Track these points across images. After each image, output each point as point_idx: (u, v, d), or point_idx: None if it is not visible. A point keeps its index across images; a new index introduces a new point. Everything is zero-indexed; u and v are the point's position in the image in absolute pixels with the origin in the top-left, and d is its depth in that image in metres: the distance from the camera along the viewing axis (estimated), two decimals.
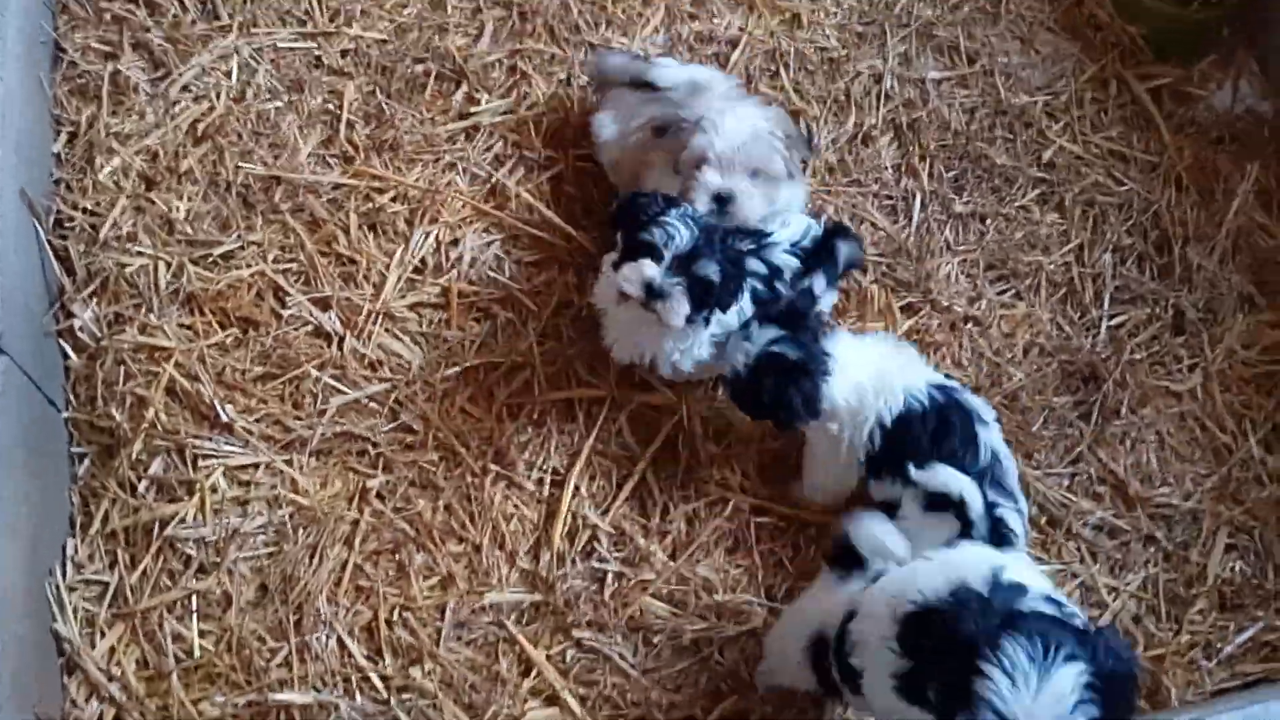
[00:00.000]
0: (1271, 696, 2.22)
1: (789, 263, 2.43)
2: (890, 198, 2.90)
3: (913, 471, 2.10)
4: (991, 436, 2.23)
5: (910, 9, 3.18)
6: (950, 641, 1.61)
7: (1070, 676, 1.52)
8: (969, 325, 2.73)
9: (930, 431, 2.20)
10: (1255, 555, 2.53)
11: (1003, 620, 1.59)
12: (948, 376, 2.42)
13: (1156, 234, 2.90)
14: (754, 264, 2.37)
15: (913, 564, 1.88)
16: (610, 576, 2.33)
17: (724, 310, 2.29)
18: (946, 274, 2.78)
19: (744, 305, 2.35)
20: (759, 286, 2.38)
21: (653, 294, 2.17)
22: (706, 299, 2.21)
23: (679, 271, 2.17)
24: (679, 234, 2.16)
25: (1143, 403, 2.67)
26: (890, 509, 2.18)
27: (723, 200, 2.39)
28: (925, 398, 2.23)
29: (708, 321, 2.29)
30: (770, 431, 2.51)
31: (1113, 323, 2.78)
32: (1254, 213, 2.93)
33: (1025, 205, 2.93)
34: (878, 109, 2.99)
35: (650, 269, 2.16)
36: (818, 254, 2.47)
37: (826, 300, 2.52)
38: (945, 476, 2.04)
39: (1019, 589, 1.68)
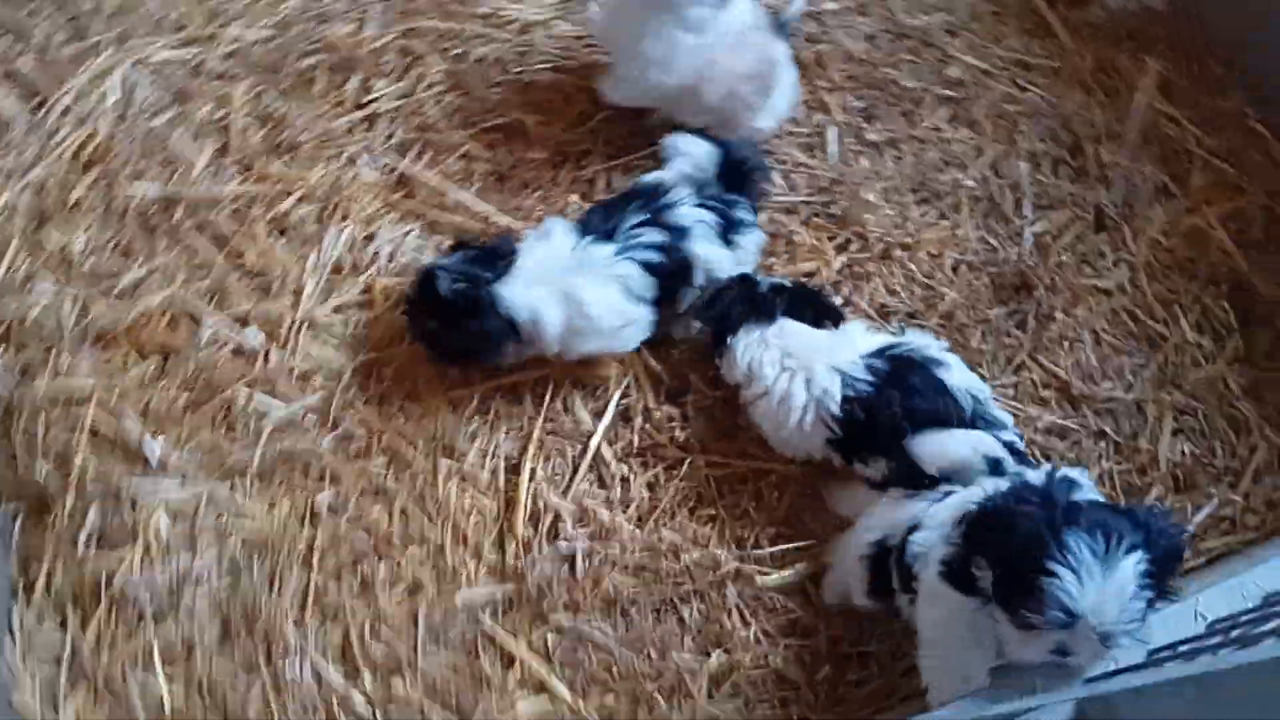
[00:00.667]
0: (1240, 567, 2.26)
1: (698, 216, 2.39)
2: (805, 134, 2.88)
3: (916, 448, 2.09)
4: (957, 376, 2.20)
5: None
6: (1013, 536, 1.64)
7: (1131, 566, 1.56)
8: (898, 252, 2.73)
9: (899, 406, 2.15)
10: (1201, 435, 2.59)
11: (1063, 514, 1.62)
12: (892, 332, 2.43)
13: (1068, 137, 2.92)
14: (649, 234, 2.34)
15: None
16: (579, 556, 2.29)
17: None
18: (869, 203, 2.77)
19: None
20: (654, 258, 2.34)
21: None
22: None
23: None
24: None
25: (1074, 303, 2.70)
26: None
27: None
28: (866, 375, 2.20)
29: None
30: (714, 385, 2.50)
31: (1036, 229, 2.80)
32: (1158, 105, 2.97)
33: (936, 125, 2.93)
34: None
35: None
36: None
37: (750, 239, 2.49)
38: (955, 445, 2.04)
39: (1073, 482, 1.73)
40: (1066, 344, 2.66)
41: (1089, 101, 2.99)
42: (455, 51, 2.85)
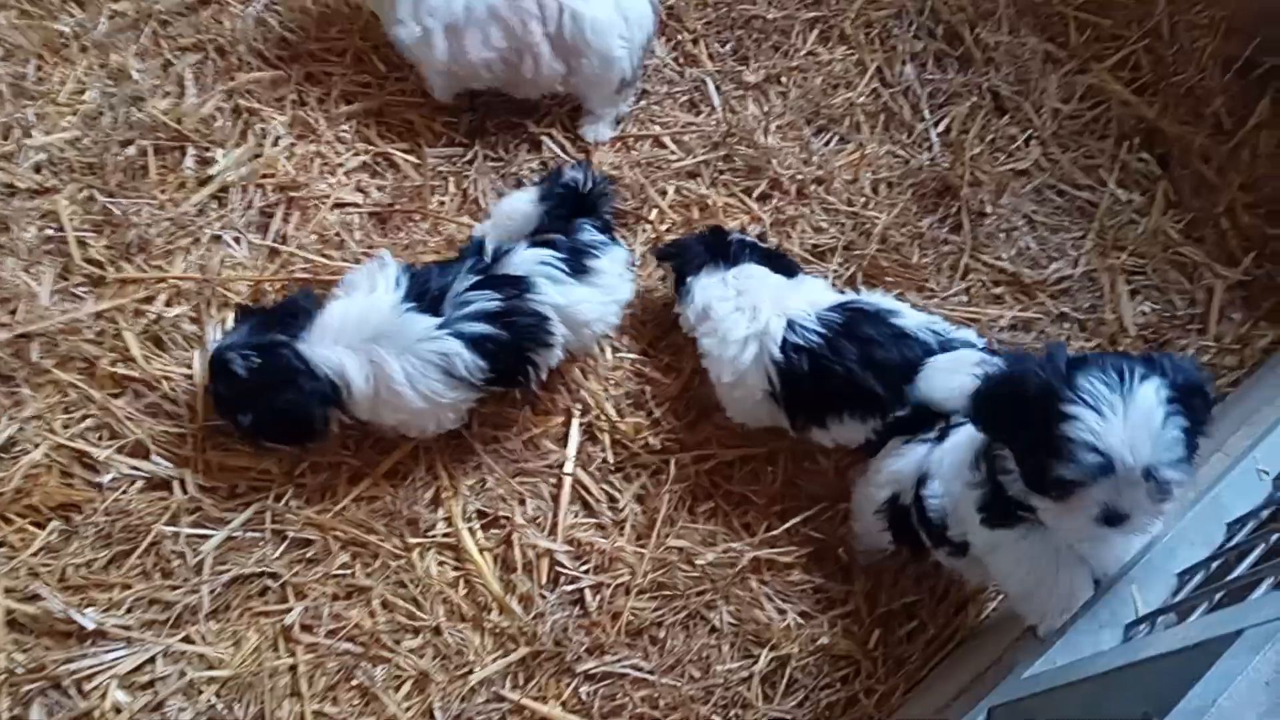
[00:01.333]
0: (1253, 405, 2.21)
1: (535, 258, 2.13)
2: (683, 92, 2.72)
3: (928, 391, 1.95)
4: (911, 319, 2.08)
5: None
6: (1024, 397, 1.54)
7: (1152, 391, 1.46)
8: (814, 187, 2.60)
9: (857, 361, 2.02)
10: (1157, 290, 2.55)
11: (1069, 364, 1.53)
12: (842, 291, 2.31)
13: (943, 28, 2.83)
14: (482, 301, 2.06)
15: None
16: (588, 594, 2.10)
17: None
18: (773, 147, 2.63)
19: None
20: (485, 330, 2.05)
21: None
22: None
23: None
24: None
25: (999, 193, 2.62)
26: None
27: None
28: (816, 325, 2.07)
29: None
30: (677, 378, 2.32)
31: (939, 129, 2.71)
32: None
33: (811, 50, 2.81)
34: None
35: None
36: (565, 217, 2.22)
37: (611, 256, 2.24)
38: (954, 372, 1.90)
39: (1062, 345, 1.63)
40: (1003, 235, 2.58)
41: None
42: (291, 97, 2.58)
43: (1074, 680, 1.39)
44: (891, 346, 2.02)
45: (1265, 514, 1.60)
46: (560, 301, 2.11)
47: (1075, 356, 1.57)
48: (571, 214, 2.23)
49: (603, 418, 2.28)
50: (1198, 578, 1.55)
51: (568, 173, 2.26)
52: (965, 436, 1.80)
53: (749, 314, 2.14)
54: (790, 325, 2.09)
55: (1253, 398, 2.19)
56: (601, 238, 2.23)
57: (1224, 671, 1.02)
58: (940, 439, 1.90)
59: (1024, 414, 1.55)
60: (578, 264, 2.15)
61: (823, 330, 2.07)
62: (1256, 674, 0.98)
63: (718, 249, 2.24)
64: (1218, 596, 1.41)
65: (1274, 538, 1.48)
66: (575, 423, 2.27)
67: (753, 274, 2.20)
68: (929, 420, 1.97)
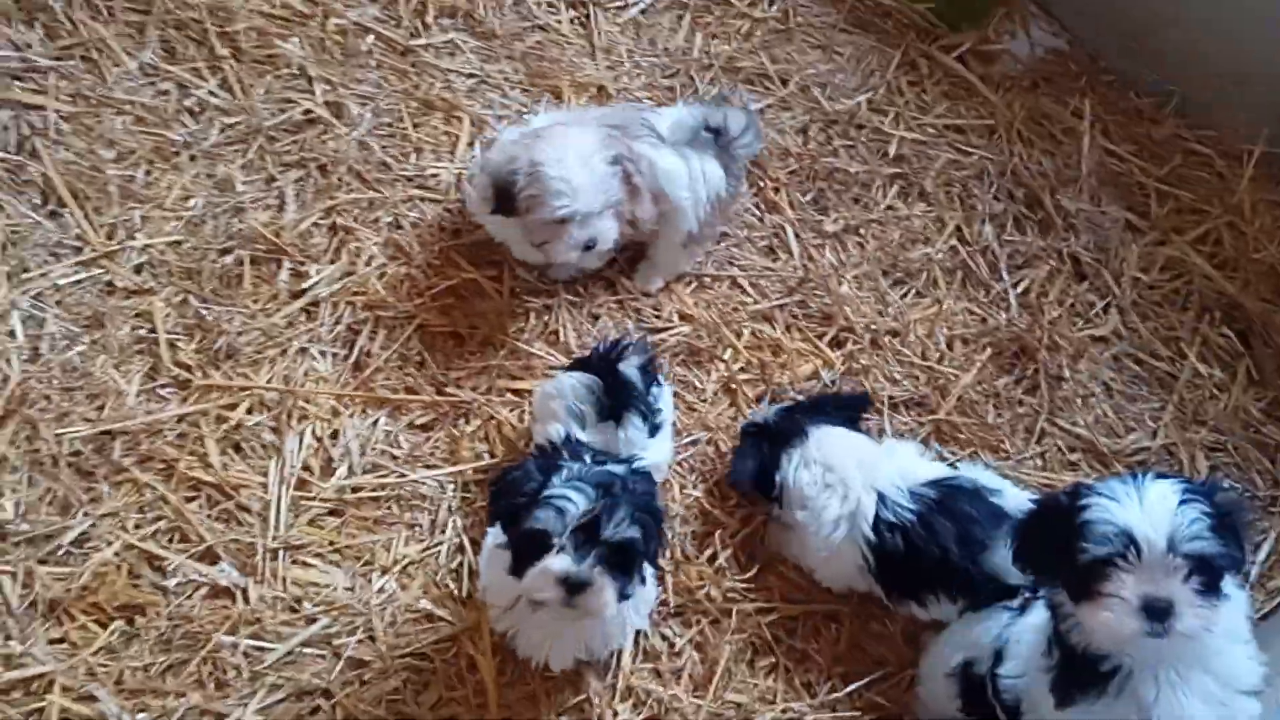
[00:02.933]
0: None
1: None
2: (763, 238, 2.77)
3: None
4: (1012, 498, 2.07)
5: (707, 49, 3.07)
6: (1051, 520, 1.65)
7: (1165, 485, 1.56)
8: (888, 338, 2.61)
9: (954, 540, 2.00)
10: (1237, 468, 2.50)
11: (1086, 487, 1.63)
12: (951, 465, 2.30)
13: (1023, 192, 2.87)
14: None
15: None
16: None
17: (654, 564, 1.94)
18: (848, 295, 2.66)
19: None
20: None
21: (573, 589, 1.74)
22: (631, 564, 1.80)
23: (588, 544, 1.73)
24: (573, 504, 1.73)
25: (1077, 358, 2.61)
26: None
27: (589, 247, 2.32)
28: (908, 502, 2.05)
29: (644, 581, 1.91)
30: (744, 523, 2.31)
31: (1018, 290, 2.72)
32: (1099, 143, 2.95)
33: (890, 204, 2.86)
34: None
35: (559, 563, 1.72)
36: (614, 400, 2.16)
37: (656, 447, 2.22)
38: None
39: None
40: (1080, 401, 2.57)
41: (1031, 151, 2.96)
42: (386, 220, 2.66)
43: None
44: (990, 526, 1.98)
45: None
46: (653, 462, 2.14)
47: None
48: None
49: (666, 559, 2.25)
50: None
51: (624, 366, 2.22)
52: (1043, 617, 1.76)
53: (840, 491, 2.12)
54: (882, 499, 2.08)
55: None
56: (656, 389, 2.26)
57: None
58: (1022, 610, 1.86)
59: (1051, 532, 1.62)
60: (654, 425, 2.20)
61: (916, 507, 2.05)
62: None
63: (777, 436, 2.22)
64: None
65: None
66: None
67: (832, 438, 2.20)
68: (1010, 591, 1.94)
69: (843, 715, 2.09)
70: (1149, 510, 1.53)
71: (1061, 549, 1.59)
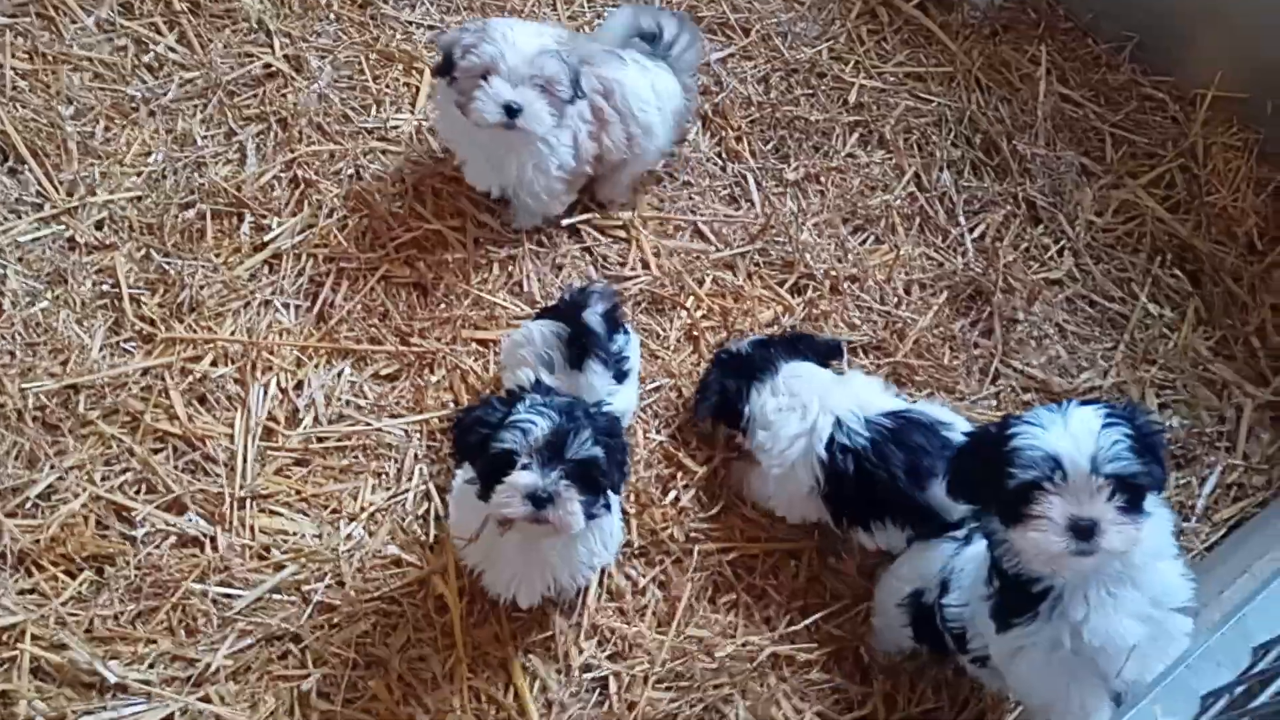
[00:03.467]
0: (1257, 539, 2.21)
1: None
2: (724, 186, 2.79)
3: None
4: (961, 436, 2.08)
5: None
6: (980, 450, 1.70)
7: (1088, 410, 1.61)
8: (848, 284, 2.65)
9: (903, 468, 2.05)
10: (1186, 405, 2.56)
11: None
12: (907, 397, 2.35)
13: (980, 138, 2.91)
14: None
15: None
16: (610, 680, 2.10)
17: (616, 489, 1.96)
18: (808, 243, 2.69)
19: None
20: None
21: (540, 503, 1.77)
22: (597, 483, 1.84)
23: (553, 461, 1.78)
24: (536, 424, 1.78)
25: (1031, 300, 2.66)
26: None
27: (512, 112, 2.27)
28: (862, 429, 2.10)
29: (608, 508, 1.95)
30: (706, 464, 2.36)
31: (974, 235, 2.76)
32: (1056, 89, 2.98)
33: (850, 152, 2.88)
34: None
35: (526, 478, 1.77)
36: (575, 345, 2.18)
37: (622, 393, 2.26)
38: None
39: None
40: (1034, 342, 2.61)
41: (989, 99, 2.99)
42: (348, 172, 2.67)
43: None
44: (939, 459, 2.02)
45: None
46: (619, 408, 2.19)
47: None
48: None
49: (630, 501, 2.30)
50: (1221, 702, 1.54)
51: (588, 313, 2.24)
52: (984, 547, 1.82)
53: (800, 413, 2.17)
54: (838, 423, 2.12)
55: (1275, 525, 2.19)
56: (624, 338, 2.29)
57: None
58: (967, 541, 1.92)
59: (982, 462, 1.67)
60: (620, 371, 2.23)
61: (870, 435, 2.09)
62: None
63: (747, 368, 2.26)
64: None
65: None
66: None
67: (800, 372, 2.24)
68: (957, 523, 2.00)
69: (800, 646, 2.15)
70: (1073, 434, 1.58)
71: (992, 477, 1.64)
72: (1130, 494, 1.58)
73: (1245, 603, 1.73)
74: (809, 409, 2.16)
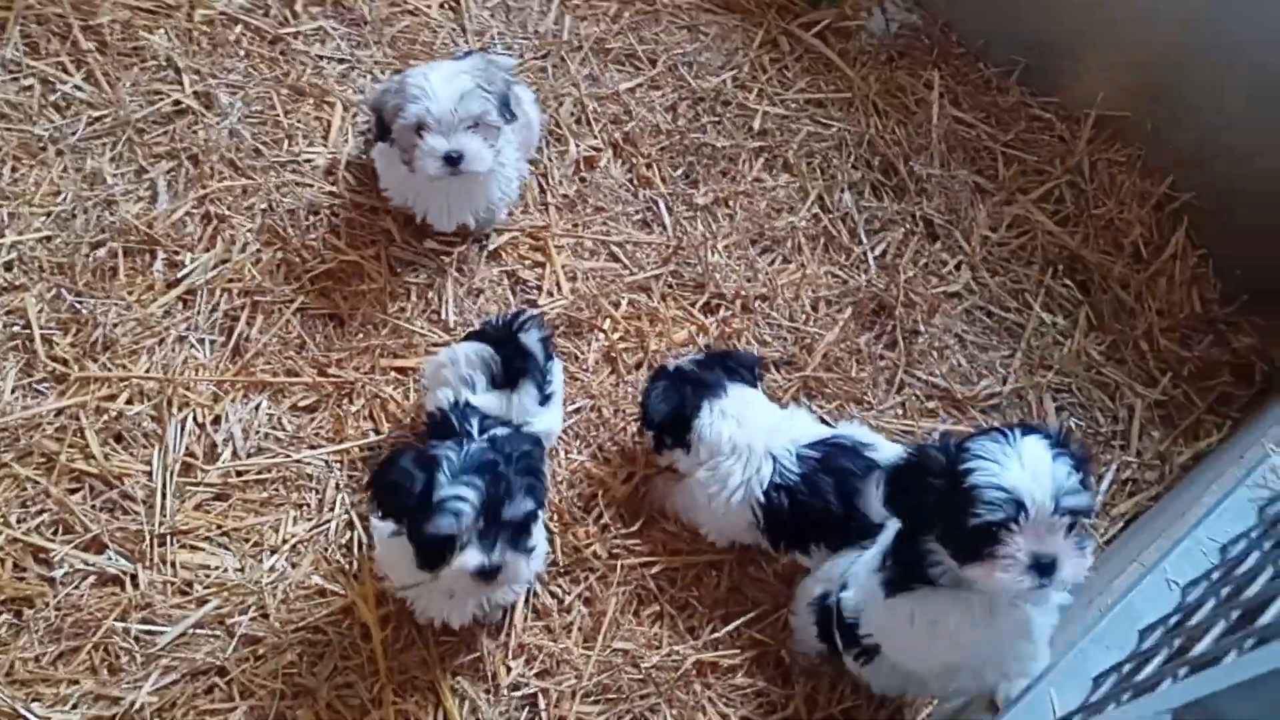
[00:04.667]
0: (1165, 521, 2.32)
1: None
2: (637, 212, 2.87)
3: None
4: (886, 451, 2.18)
5: (576, 31, 3.16)
6: (928, 475, 1.68)
7: (1035, 440, 1.63)
8: (758, 303, 2.74)
9: (833, 493, 2.12)
10: (1081, 407, 2.70)
11: (960, 440, 1.69)
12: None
13: (879, 160, 3.03)
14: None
15: None
16: (539, 697, 2.13)
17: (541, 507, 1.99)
18: (719, 264, 2.78)
19: None
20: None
21: (489, 575, 1.83)
22: (531, 529, 1.91)
23: (492, 530, 1.82)
24: (467, 503, 1.79)
25: (932, 313, 2.77)
26: None
27: (454, 160, 2.35)
28: (794, 465, 2.16)
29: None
30: (626, 481, 2.41)
31: (876, 253, 2.87)
32: (949, 111, 3.13)
33: (757, 176, 2.98)
34: (591, 133, 2.95)
35: (472, 560, 1.81)
36: (510, 369, 2.22)
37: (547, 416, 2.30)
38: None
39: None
40: (936, 353, 2.73)
41: (886, 123, 3.12)
42: (261, 206, 2.69)
43: None
44: (864, 477, 2.09)
45: (1173, 620, 1.71)
46: (544, 429, 2.23)
47: (964, 437, 1.72)
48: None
49: (554, 521, 2.34)
50: (1110, 681, 1.64)
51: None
52: (879, 545, 1.91)
53: (744, 457, 2.21)
54: (774, 462, 2.18)
55: (1169, 512, 2.32)
56: (551, 363, 2.32)
57: None
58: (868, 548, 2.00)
59: (930, 489, 1.68)
60: (544, 396, 2.27)
61: (801, 470, 2.16)
62: None
63: (696, 384, 2.28)
64: (1126, 697, 1.50)
65: (1177, 643, 1.58)
66: None
67: (750, 399, 2.28)
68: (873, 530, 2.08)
69: (724, 653, 2.21)
70: (1031, 471, 1.59)
71: (948, 513, 1.65)
72: (1078, 524, 1.63)
73: (1132, 588, 1.84)
74: (754, 451, 2.20)
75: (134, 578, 2.18)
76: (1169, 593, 1.78)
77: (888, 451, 2.18)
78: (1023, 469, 1.59)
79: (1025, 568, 1.61)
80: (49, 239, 2.59)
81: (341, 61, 2.96)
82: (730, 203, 2.92)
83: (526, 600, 2.24)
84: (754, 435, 2.21)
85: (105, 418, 2.35)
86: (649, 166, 2.95)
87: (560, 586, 2.28)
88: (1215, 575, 1.74)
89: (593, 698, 2.15)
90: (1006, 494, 1.58)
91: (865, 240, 2.89)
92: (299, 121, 2.83)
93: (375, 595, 2.19)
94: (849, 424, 2.41)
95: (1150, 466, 2.60)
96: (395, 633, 2.19)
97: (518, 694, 2.15)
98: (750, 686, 2.20)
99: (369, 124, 2.71)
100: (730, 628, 2.24)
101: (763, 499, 2.18)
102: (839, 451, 2.18)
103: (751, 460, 2.20)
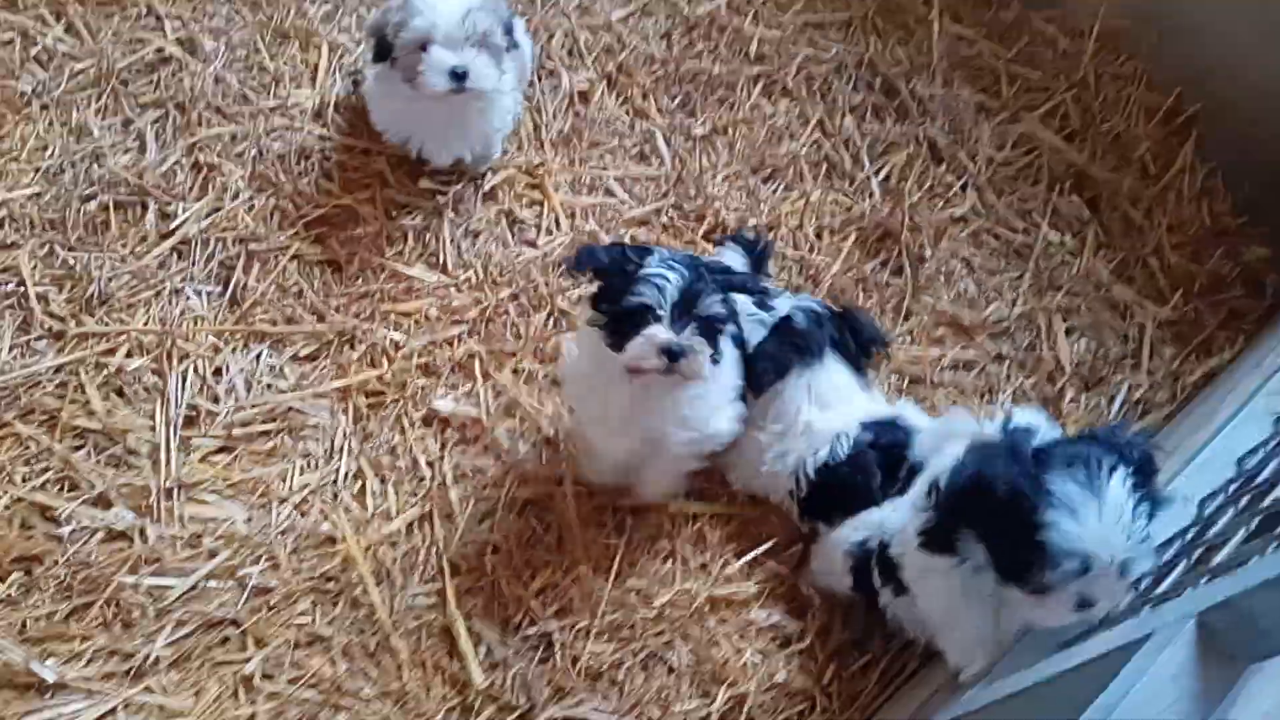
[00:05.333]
0: (1179, 437, 2.30)
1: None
2: (634, 144, 2.81)
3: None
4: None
5: None
6: (993, 501, 1.59)
7: (1120, 485, 1.52)
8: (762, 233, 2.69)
9: (880, 469, 2.10)
10: (1091, 328, 2.66)
11: (1035, 462, 1.58)
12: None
13: (880, 82, 2.96)
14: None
15: None
16: (555, 635, 2.13)
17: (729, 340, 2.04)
18: (719, 194, 2.72)
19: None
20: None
21: (674, 356, 1.86)
22: (717, 335, 1.93)
23: (685, 317, 1.86)
24: (669, 281, 1.84)
25: (938, 238, 2.73)
26: None
27: (460, 76, 2.30)
28: (847, 447, 2.13)
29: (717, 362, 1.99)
30: None
31: (879, 177, 2.82)
32: (950, 29, 3.05)
33: (755, 103, 2.92)
34: (583, 65, 2.89)
35: (663, 333, 1.84)
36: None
37: None
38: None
39: (1029, 430, 1.68)
40: (943, 278, 2.69)
41: (886, 43, 3.05)
42: (252, 153, 2.63)
43: (1006, 695, 1.45)
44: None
45: (1190, 535, 1.69)
46: None
47: (1039, 447, 1.62)
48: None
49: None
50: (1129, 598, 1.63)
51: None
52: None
53: (809, 438, 2.18)
54: (833, 445, 2.15)
55: (1182, 430, 2.29)
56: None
57: (1136, 669, 1.09)
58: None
59: (997, 517, 1.60)
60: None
61: (852, 450, 2.13)
62: (1163, 670, 1.05)
63: (808, 346, 2.22)
64: (1147, 611, 1.49)
65: (1196, 554, 1.56)
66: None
67: (838, 384, 2.22)
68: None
69: (737, 587, 2.20)
70: (1107, 527, 1.52)
71: (1009, 546, 1.60)
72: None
73: None
74: (820, 435, 2.17)
75: (142, 532, 2.17)
76: (1185, 508, 1.76)
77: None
78: (1100, 522, 1.52)
79: (1072, 605, 1.59)
80: (38, 195, 2.55)
81: (326, 1, 2.88)
82: (729, 131, 2.87)
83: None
84: (828, 420, 2.17)
85: (105, 373, 2.33)
86: (644, 97, 2.89)
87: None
88: (1232, 488, 1.71)
89: (605, 636, 2.15)
90: (1078, 560, 1.53)
91: (868, 165, 2.84)
92: (285, 64, 2.78)
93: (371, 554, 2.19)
94: (904, 403, 2.35)
95: (1162, 386, 2.57)
96: (407, 574, 2.19)
97: (533, 630, 2.14)
98: (764, 620, 2.20)
99: (358, 62, 2.65)
100: (743, 560, 2.23)
101: (813, 476, 2.16)
102: (890, 429, 2.15)
103: (814, 441, 2.17)
